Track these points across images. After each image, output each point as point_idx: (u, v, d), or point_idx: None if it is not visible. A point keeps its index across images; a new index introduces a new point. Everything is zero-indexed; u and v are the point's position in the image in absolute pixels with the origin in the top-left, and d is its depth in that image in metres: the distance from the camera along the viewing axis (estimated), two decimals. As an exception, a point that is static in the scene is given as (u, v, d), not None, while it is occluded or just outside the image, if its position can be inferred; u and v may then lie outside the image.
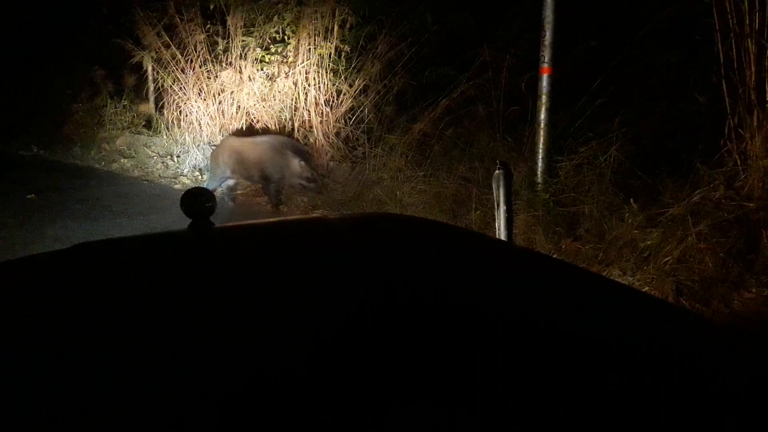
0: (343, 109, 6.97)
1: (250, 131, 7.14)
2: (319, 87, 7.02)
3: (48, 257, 1.27)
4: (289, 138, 6.52)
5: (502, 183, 2.54)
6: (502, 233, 2.43)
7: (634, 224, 4.29)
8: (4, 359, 0.88)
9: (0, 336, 0.95)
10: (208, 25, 7.40)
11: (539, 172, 4.86)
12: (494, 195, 2.52)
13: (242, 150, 6.03)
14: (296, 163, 5.83)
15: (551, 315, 1.02)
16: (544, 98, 4.80)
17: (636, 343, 0.95)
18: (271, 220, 1.69)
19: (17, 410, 0.78)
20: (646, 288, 3.85)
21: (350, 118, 6.94)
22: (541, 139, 4.84)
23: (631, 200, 4.42)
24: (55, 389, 0.81)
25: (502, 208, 2.50)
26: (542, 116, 4.82)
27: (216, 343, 0.89)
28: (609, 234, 4.36)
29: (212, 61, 7.43)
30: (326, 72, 6.99)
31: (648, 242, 4.12)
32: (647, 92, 5.13)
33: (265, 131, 6.95)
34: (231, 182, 6.20)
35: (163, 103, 7.86)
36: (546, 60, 4.74)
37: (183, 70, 7.52)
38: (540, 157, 4.86)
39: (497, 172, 2.57)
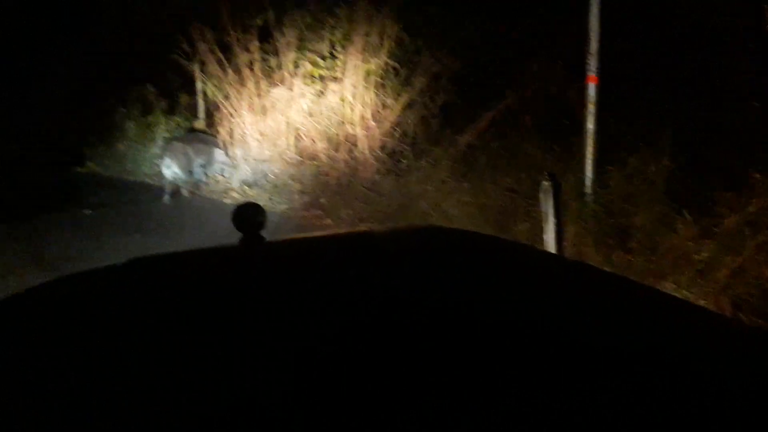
0: (388, 122, 7.01)
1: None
2: (366, 101, 7.08)
3: (104, 272, 1.29)
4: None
5: (550, 195, 2.52)
6: (551, 246, 2.40)
7: (687, 236, 4.18)
8: (63, 371, 0.90)
9: (59, 349, 0.97)
10: (257, 44, 7.53)
11: (588, 183, 4.78)
12: (543, 207, 2.49)
13: None
14: None
15: (608, 335, 0.99)
16: (591, 107, 4.74)
17: (700, 366, 0.92)
18: (320, 234, 1.70)
19: (71, 420, 0.80)
20: (702, 302, 3.73)
21: (395, 132, 6.98)
22: (590, 149, 4.77)
23: (685, 211, 4.31)
24: (110, 401, 0.83)
25: (551, 220, 2.47)
26: (590, 125, 4.75)
27: (268, 355, 0.90)
28: (662, 246, 4.26)
29: (264, 78, 7.57)
30: (373, 86, 7.06)
31: (703, 254, 4.01)
32: (699, 101, 5.01)
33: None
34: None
35: (215, 119, 8.03)
36: (592, 69, 4.69)
37: (234, 87, 7.68)
38: (588, 167, 4.79)
39: (545, 183, 2.55)
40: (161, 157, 7.56)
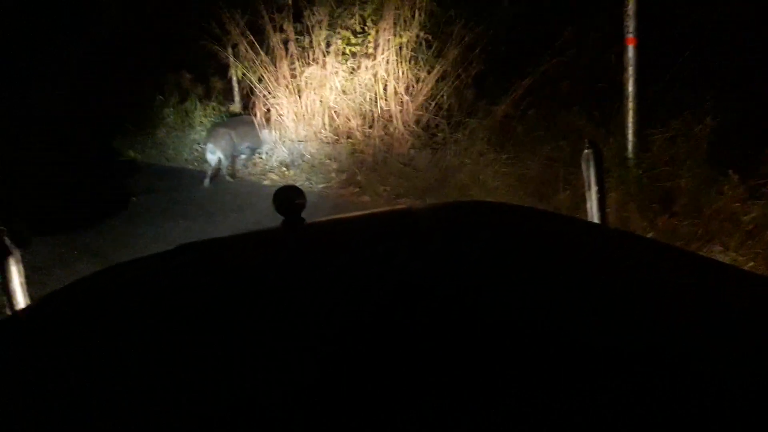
0: (422, 96, 6.96)
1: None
2: (398, 76, 7.03)
3: (155, 258, 1.32)
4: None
5: (592, 163, 2.46)
6: (594, 215, 2.36)
7: (734, 197, 4.07)
8: (117, 358, 0.92)
9: (115, 336, 0.99)
10: (288, 24, 7.52)
11: (630, 147, 4.69)
12: (584, 176, 2.44)
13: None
14: None
15: (654, 310, 0.95)
16: (630, 70, 4.63)
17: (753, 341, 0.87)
18: (360, 213, 1.70)
19: (123, 409, 0.82)
20: (751, 264, 3.65)
21: (430, 105, 6.93)
22: (630, 113, 4.67)
23: (730, 171, 4.19)
24: (161, 389, 0.84)
25: (594, 188, 2.41)
26: (630, 89, 4.65)
27: (315, 337, 0.91)
28: (707, 208, 4.16)
29: (297, 58, 7.58)
30: (405, 60, 7.00)
31: (751, 216, 3.91)
32: (743, 57, 4.84)
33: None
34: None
35: (250, 102, 8.08)
36: (631, 30, 4.58)
37: (268, 69, 7.71)
38: (630, 131, 4.69)
39: (586, 151, 2.49)
40: (205, 142, 7.69)
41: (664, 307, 0.97)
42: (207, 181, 7.32)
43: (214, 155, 7.39)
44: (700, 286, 1.06)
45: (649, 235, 3.95)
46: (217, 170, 7.47)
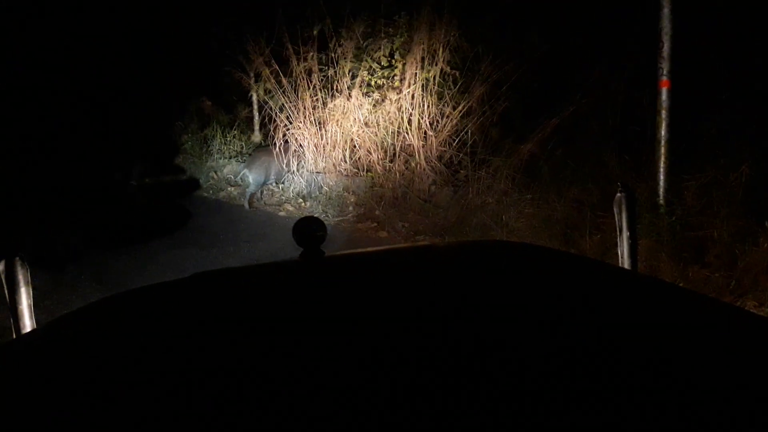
0: (446, 132, 6.87)
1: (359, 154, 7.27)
2: (423, 110, 6.97)
3: (168, 286, 1.31)
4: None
5: (624, 207, 2.35)
6: (625, 261, 2.24)
7: (770, 249, 3.90)
8: (129, 387, 0.89)
9: (122, 362, 0.96)
10: (313, 53, 7.51)
11: (661, 193, 4.56)
12: (616, 220, 2.32)
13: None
14: None
15: (689, 360, 0.89)
16: (663, 113, 4.52)
17: None
18: (381, 248, 1.72)
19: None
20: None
21: (453, 141, 6.84)
22: (662, 157, 4.55)
23: (766, 223, 4.03)
24: (168, 418, 0.81)
25: (625, 234, 2.30)
26: (662, 132, 4.53)
27: (331, 372, 0.89)
28: (742, 260, 4.00)
29: (321, 89, 7.56)
30: (430, 95, 6.94)
31: (788, 270, 3.73)
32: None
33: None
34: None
35: (271, 131, 8.05)
36: (665, 72, 4.49)
37: (290, 99, 7.69)
38: (662, 176, 4.57)
39: (619, 195, 2.38)
40: (243, 167, 7.77)
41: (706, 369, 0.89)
42: (246, 205, 7.41)
43: (247, 180, 7.48)
44: (744, 343, 0.98)
45: (679, 285, 3.77)
46: (234, 198, 7.47)
